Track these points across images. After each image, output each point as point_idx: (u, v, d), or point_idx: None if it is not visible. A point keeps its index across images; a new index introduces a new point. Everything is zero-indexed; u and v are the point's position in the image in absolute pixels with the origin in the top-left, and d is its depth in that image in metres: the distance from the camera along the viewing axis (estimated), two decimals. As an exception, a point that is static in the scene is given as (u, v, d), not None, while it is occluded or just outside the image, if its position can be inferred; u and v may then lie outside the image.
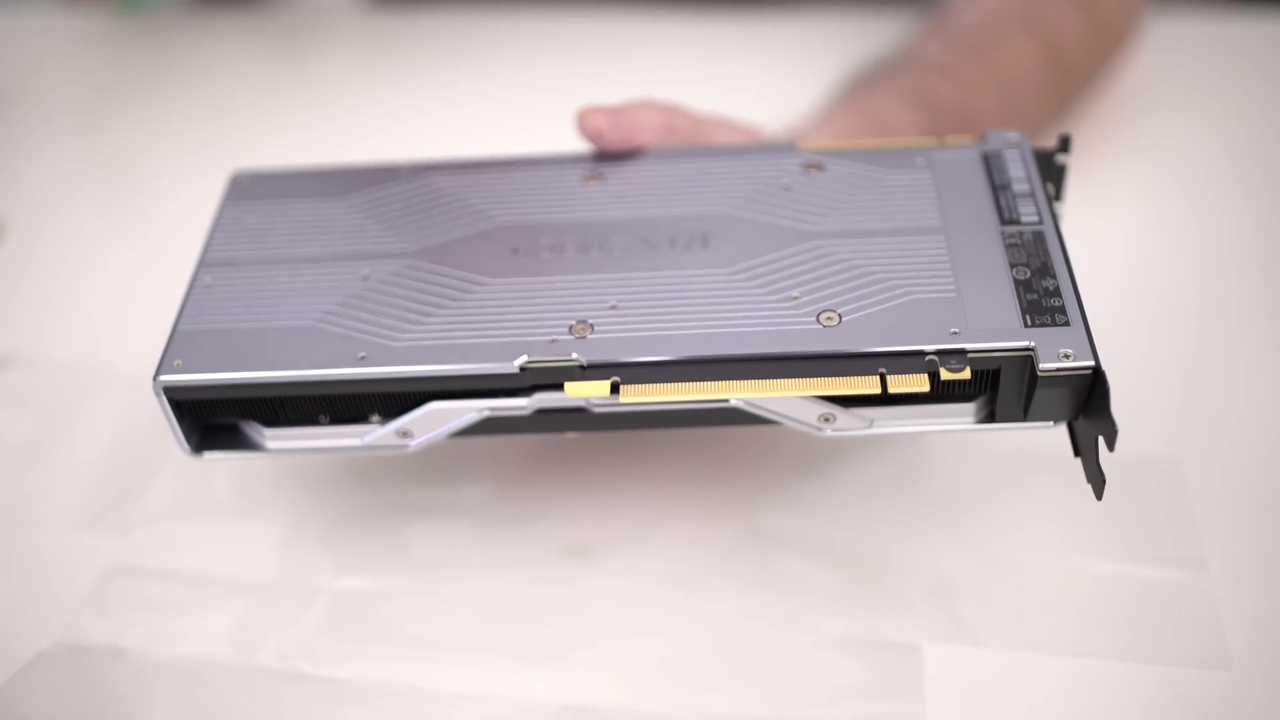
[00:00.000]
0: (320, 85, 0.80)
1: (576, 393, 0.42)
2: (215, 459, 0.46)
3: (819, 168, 0.48)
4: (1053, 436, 0.44)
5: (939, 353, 0.41)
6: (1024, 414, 0.42)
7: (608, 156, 0.50)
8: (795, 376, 0.41)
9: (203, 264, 0.47)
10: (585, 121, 0.50)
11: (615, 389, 0.42)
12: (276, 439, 0.46)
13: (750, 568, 0.50)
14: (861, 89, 0.63)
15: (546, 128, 0.57)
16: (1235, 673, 0.45)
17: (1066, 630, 0.47)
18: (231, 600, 0.50)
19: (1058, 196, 0.49)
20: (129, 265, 0.67)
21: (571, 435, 0.54)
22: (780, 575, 0.49)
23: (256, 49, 0.82)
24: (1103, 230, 0.61)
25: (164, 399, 0.43)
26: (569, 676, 0.46)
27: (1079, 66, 0.67)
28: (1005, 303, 0.42)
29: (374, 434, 0.45)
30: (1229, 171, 0.68)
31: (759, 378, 0.41)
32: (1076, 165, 0.49)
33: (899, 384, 0.41)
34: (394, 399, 0.44)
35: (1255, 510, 0.50)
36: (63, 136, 0.77)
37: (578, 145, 0.51)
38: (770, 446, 0.54)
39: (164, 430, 0.54)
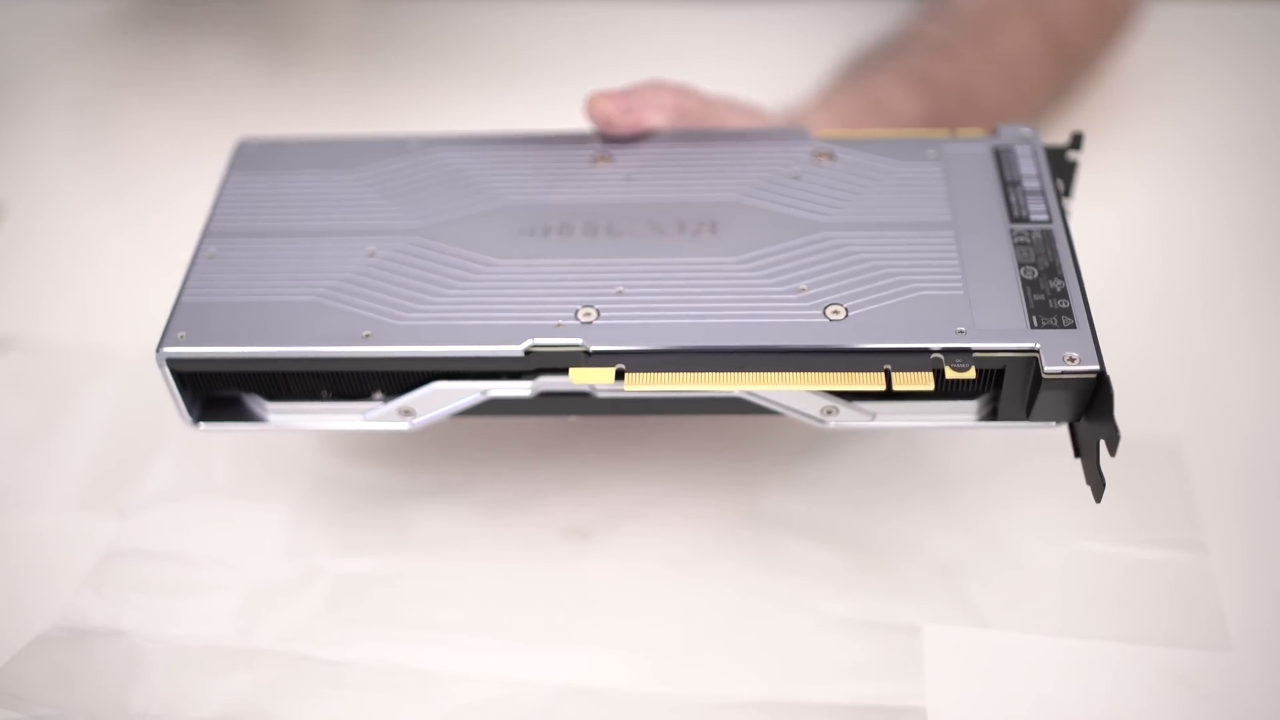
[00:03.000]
0: (318, 70, 0.79)
1: (581, 379, 0.42)
2: (216, 430, 0.46)
3: (830, 156, 0.48)
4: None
5: (944, 351, 0.41)
6: (1026, 414, 0.42)
7: (617, 137, 0.50)
8: (800, 370, 0.41)
9: (208, 234, 0.47)
10: (594, 108, 0.49)
11: (620, 376, 0.42)
12: (278, 413, 0.45)
13: (751, 548, 0.50)
14: (862, 70, 0.62)
15: (548, 115, 0.56)
16: (1235, 654, 0.45)
17: (1067, 611, 0.47)
18: (231, 582, 0.50)
19: (1067, 193, 0.48)
20: (127, 248, 0.67)
21: (573, 418, 0.54)
22: (781, 556, 0.49)
23: (255, 33, 0.82)
24: (1103, 212, 0.61)
25: (166, 370, 0.43)
26: (570, 657, 0.47)
27: (1080, 48, 0.67)
28: (1012, 302, 0.42)
29: (376, 412, 0.45)
30: (1229, 154, 0.68)
31: (764, 370, 0.41)
32: (1076, 146, 0.49)
33: (904, 381, 0.41)
34: (398, 378, 0.44)
35: (1255, 491, 0.50)
36: (62, 119, 0.76)
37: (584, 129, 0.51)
38: (771, 428, 0.54)
39: (163, 413, 0.54)
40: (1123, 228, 0.63)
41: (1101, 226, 0.56)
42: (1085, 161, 0.50)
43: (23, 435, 0.56)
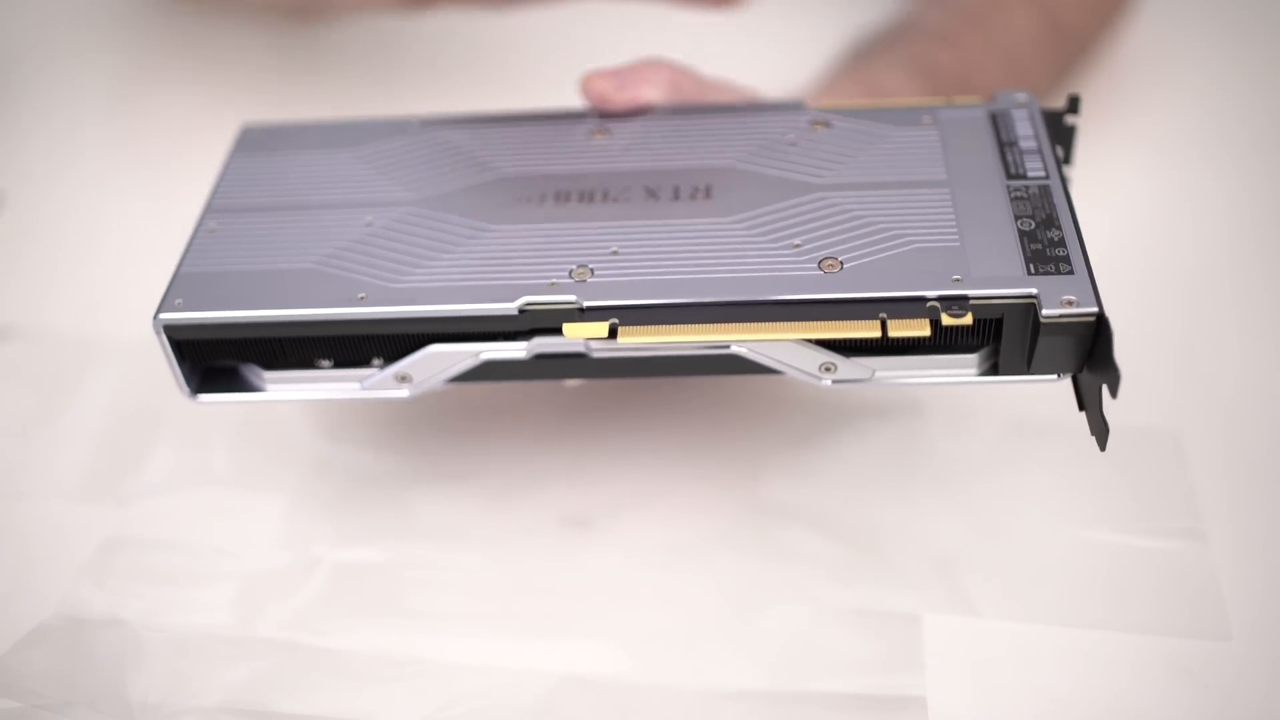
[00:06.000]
0: (321, 57, 0.79)
1: (575, 334, 0.42)
2: (215, 401, 0.46)
3: (826, 125, 0.48)
4: (1054, 407, 0.44)
5: (941, 299, 0.40)
6: (1028, 366, 0.42)
7: (614, 113, 0.50)
8: (795, 320, 0.41)
9: (208, 210, 0.48)
10: (589, 86, 0.50)
11: (613, 332, 0.42)
12: (276, 382, 0.46)
13: (751, 538, 0.50)
14: (863, 59, 0.62)
15: (546, 99, 0.56)
16: (1235, 643, 0.45)
17: (1066, 601, 0.47)
18: (231, 571, 0.50)
19: (1067, 160, 0.48)
20: (129, 236, 0.67)
21: (571, 384, 0.54)
22: (781, 546, 0.49)
23: (262, 18, 0.81)
24: (1102, 195, 0.61)
25: (164, 338, 0.44)
26: (569, 647, 0.46)
27: (1079, 31, 0.67)
28: (1009, 252, 0.42)
29: (373, 379, 0.45)
30: (1230, 138, 0.68)
31: (759, 321, 0.41)
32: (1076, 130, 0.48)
33: (900, 328, 0.40)
34: (394, 341, 0.44)
35: (1255, 480, 0.50)
36: (62, 107, 0.76)
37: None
38: (772, 415, 0.54)
39: (163, 401, 0.54)
40: (1122, 213, 0.62)
41: (1100, 211, 0.56)
42: (1084, 147, 0.50)
43: (23, 424, 0.56)
